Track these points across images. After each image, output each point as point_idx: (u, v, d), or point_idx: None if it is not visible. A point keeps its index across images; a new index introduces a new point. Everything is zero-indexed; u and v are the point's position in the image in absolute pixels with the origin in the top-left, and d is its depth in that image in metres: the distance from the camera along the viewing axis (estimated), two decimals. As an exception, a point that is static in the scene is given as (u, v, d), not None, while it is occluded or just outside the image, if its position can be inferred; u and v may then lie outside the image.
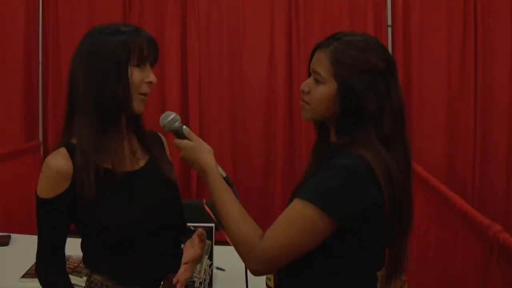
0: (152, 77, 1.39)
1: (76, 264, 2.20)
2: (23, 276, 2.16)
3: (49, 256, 1.41)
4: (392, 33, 4.25)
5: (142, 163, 1.46)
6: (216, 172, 1.36)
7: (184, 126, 1.41)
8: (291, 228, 1.24)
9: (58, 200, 1.34)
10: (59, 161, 1.34)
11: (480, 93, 4.15)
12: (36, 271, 1.44)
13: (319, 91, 1.30)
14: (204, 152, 1.38)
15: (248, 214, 1.32)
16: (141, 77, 1.37)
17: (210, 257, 2.00)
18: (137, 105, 1.38)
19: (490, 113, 4.17)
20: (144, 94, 1.38)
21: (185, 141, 1.39)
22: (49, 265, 1.42)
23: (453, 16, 4.16)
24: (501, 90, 4.14)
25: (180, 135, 1.41)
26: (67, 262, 2.16)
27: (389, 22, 4.25)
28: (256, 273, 1.30)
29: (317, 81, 1.31)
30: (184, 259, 1.46)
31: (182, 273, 1.43)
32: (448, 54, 4.18)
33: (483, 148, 4.18)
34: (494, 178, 4.17)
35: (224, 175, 1.38)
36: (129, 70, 1.34)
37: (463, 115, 4.19)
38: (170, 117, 1.42)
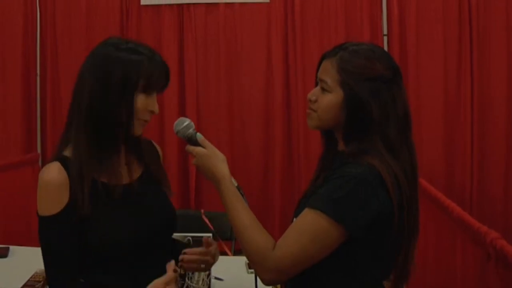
0: (156, 108, 1.36)
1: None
2: (22, 288, 2.16)
3: (64, 278, 1.31)
4: (388, 42, 4.27)
5: (137, 174, 1.45)
6: (229, 181, 1.36)
7: (198, 133, 1.40)
8: (303, 237, 1.23)
9: (64, 214, 1.30)
10: (54, 174, 1.31)
11: (477, 100, 4.17)
12: None
13: (326, 99, 1.32)
14: (218, 160, 1.37)
15: (260, 223, 1.31)
16: (145, 104, 1.33)
17: (209, 267, 2.00)
18: (138, 130, 1.36)
19: (487, 121, 4.19)
20: (145, 120, 1.36)
21: (198, 148, 1.38)
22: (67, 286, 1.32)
23: (449, 25, 4.19)
24: (498, 98, 4.16)
25: (193, 142, 1.39)
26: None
27: (385, 31, 4.28)
28: (267, 282, 1.29)
29: (324, 90, 1.32)
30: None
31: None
32: (444, 63, 4.21)
33: (480, 155, 4.19)
34: (492, 185, 4.17)
35: (236, 184, 1.38)
36: (135, 94, 1.31)
37: (460, 123, 4.21)
38: (185, 123, 1.40)
